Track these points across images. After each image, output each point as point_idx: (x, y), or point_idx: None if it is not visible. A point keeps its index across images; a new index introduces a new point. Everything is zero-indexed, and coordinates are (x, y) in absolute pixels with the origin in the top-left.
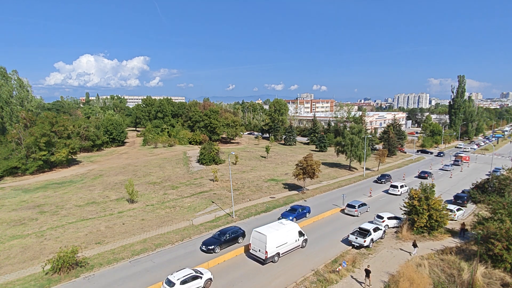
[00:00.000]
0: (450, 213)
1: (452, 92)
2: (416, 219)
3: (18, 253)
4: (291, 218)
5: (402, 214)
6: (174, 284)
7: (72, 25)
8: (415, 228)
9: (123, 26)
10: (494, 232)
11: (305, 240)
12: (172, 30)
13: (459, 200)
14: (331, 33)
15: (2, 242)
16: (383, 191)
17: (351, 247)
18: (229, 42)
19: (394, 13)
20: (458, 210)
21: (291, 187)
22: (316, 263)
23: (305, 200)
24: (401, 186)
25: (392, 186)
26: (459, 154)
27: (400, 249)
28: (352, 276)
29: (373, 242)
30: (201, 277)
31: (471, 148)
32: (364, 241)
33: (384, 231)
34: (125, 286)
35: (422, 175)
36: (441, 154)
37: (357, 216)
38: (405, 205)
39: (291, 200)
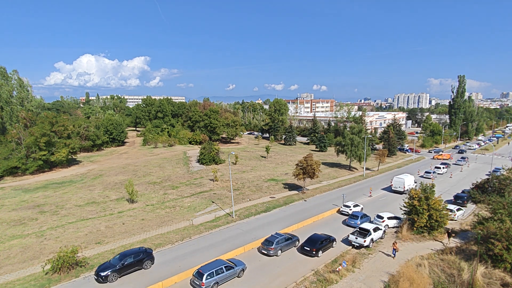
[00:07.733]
0: (450, 213)
1: (452, 92)
2: (416, 219)
3: (18, 253)
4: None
5: (402, 214)
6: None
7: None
8: (415, 228)
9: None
10: (494, 232)
11: (415, 183)
12: (173, 30)
13: (459, 200)
14: (332, 33)
15: (2, 242)
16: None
17: (351, 247)
18: (229, 42)
19: (394, 13)
20: (458, 210)
21: (291, 187)
22: (316, 263)
23: (305, 200)
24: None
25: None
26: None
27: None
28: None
29: (373, 242)
30: (361, 207)
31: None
32: (364, 241)
33: (384, 231)
34: (124, 286)
35: (463, 158)
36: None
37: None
38: (405, 205)
39: (291, 200)
